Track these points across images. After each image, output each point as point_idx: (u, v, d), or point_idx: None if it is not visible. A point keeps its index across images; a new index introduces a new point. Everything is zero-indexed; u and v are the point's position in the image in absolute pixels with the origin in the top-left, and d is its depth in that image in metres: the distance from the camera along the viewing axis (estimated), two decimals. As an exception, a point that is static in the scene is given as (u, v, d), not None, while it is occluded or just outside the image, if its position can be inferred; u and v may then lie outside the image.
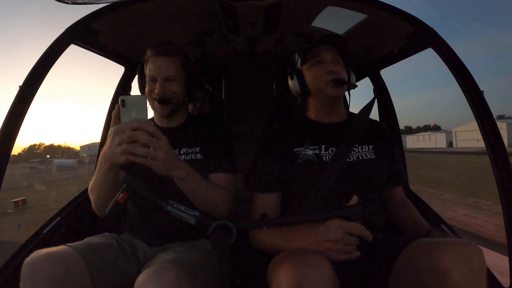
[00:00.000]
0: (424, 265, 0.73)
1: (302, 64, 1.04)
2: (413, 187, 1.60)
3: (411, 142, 63.39)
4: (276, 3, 1.09)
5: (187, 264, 0.81)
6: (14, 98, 0.96)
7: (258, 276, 0.86)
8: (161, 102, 1.01)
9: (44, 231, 1.17)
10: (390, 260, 0.83)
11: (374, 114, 1.13)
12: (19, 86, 0.96)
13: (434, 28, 1.07)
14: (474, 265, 0.68)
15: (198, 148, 1.06)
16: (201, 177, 0.91)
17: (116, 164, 0.77)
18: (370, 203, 0.98)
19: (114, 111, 0.76)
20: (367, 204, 0.95)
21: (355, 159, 0.99)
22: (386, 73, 1.69)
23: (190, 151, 1.06)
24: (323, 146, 1.00)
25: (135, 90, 1.88)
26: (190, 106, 1.72)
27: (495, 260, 1.98)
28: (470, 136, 47.43)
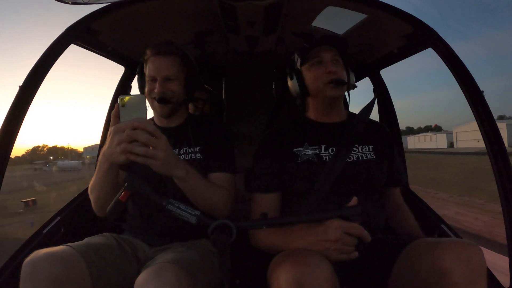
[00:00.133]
0: (424, 265, 0.73)
1: (301, 65, 1.05)
2: (411, 187, 1.60)
3: (412, 142, 63.33)
4: (276, 3, 1.09)
5: (187, 264, 0.81)
6: (14, 98, 0.96)
7: (258, 276, 0.86)
8: (160, 101, 1.01)
9: (44, 231, 1.17)
10: (390, 260, 0.83)
11: (374, 114, 1.13)
12: (19, 86, 0.96)
13: (434, 28, 1.07)
14: (474, 265, 0.68)
15: (198, 148, 1.06)
16: (201, 177, 0.91)
17: (116, 164, 0.77)
18: (369, 204, 0.98)
19: (113, 110, 0.76)
20: (367, 205, 0.95)
21: (355, 159, 0.99)
22: (386, 73, 1.70)
23: (190, 151, 1.06)
24: (323, 146, 1.00)
25: (135, 90, 1.88)
26: (191, 107, 1.72)
27: (495, 260, 1.98)
28: (470, 137, 47.43)
